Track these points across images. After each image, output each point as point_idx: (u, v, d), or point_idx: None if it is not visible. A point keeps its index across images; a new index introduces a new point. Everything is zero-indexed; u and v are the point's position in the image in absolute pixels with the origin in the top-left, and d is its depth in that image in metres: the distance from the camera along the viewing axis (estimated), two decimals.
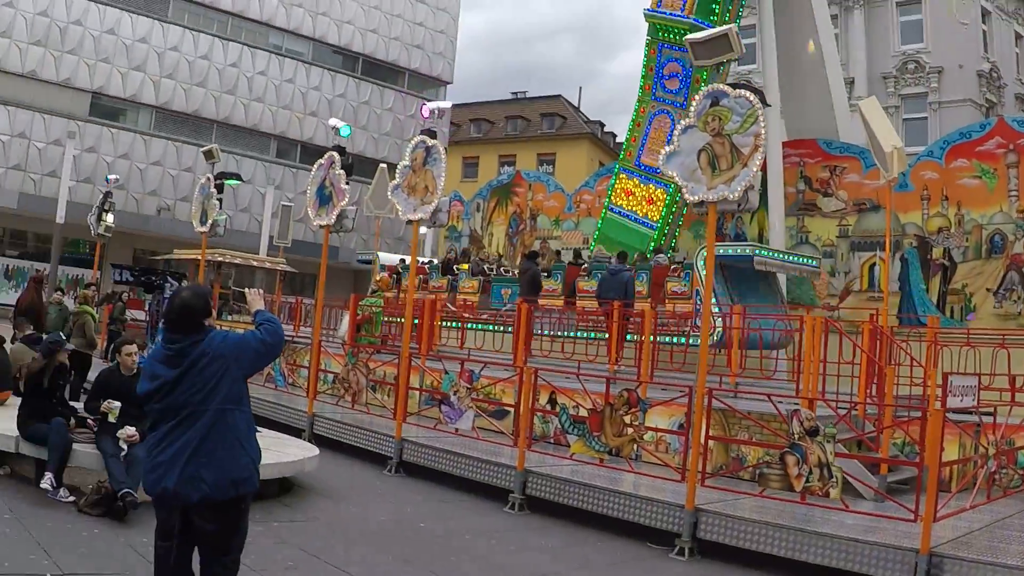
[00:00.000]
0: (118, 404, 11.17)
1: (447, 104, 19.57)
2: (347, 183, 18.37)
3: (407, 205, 16.51)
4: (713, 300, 19.66)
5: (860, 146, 22.68)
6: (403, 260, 28.33)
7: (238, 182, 40.89)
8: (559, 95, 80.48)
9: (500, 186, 32.14)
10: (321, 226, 18.83)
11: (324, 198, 18.74)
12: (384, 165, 31.46)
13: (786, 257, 20.53)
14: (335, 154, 18.78)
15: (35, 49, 50.11)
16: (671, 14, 25.13)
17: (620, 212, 26.01)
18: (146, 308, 30.55)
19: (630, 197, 25.94)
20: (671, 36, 25.04)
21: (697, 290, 18.81)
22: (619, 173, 26.53)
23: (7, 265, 50.37)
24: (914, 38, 44.39)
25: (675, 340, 17.67)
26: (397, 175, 16.82)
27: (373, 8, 65.12)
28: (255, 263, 33.28)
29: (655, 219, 24.90)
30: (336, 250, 55.78)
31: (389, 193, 17.35)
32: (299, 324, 28.31)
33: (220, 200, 24.73)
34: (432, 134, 16.63)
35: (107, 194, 34.96)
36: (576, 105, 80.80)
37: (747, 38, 18.76)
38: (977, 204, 21.06)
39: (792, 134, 24.92)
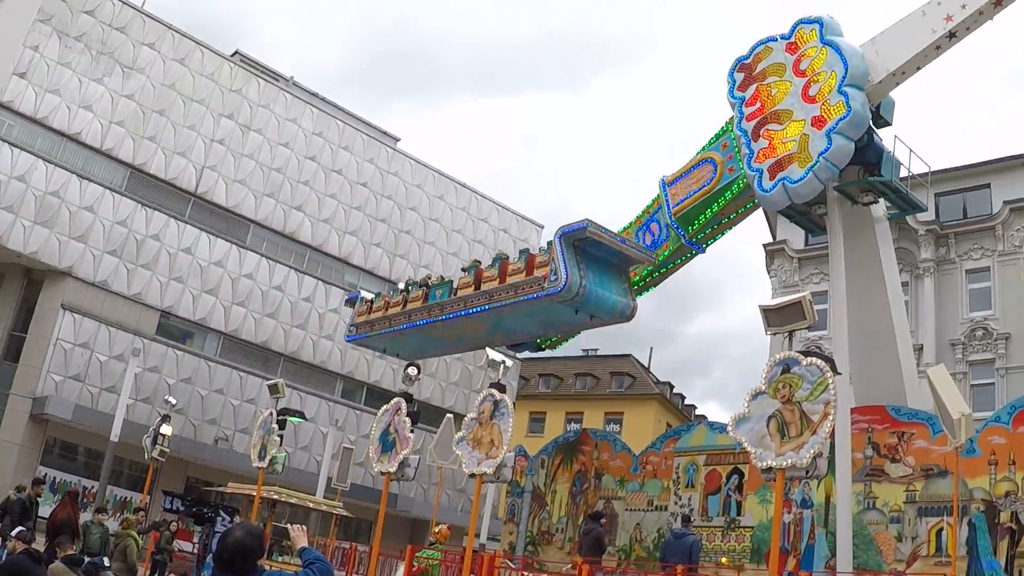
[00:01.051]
0: None
1: (511, 363, 19.70)
2: (412, 431, 18.32)
3: (471, 458, 16.37)
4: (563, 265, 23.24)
5: (928, 412, 22.41)
6: None
7: (301, 420, 40.89)
8: (629, 355, 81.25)
9: (566, 443, 31.76)
10: (382, 473, 18.69)
11: (387, 444, 18.63)
12: (450, 415, 31.56)
13: (619, 239, 24.23)
14: (402, 400, 18.76)
15: (109, 259, 50.20)
16: (667, 199, 26.83)
17: None
18: (195, 540, 30.16)
19: None
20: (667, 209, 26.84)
21: None
22: None
23: (55, 478, 48.32)
24: (983, 305, 44.42)
25: None
26: (463, 427, 16.77)
27: (451, 255, 65.65)
28: (311, 504, 32.84)
29: None
30: (395, 497, 54.87)
31: (454, 444, 17.26)
32: (351, 571, 27.84)
33: (281, 436, 24.68)
34: (501, 388, 16.60)
35: (165, 417, 34.97)
36: (646, 365, 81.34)
37: (818, 304, 18.89)
38: None
39: (860, 400, 24.66)
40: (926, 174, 27.75)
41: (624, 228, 28.02)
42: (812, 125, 23.35)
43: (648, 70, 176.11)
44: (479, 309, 26.28)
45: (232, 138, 55.22)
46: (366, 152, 62.13)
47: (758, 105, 24.73)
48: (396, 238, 63.08)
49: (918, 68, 23.80)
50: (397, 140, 67.50)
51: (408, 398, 18.86)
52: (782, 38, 24.66)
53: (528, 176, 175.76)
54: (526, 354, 48.71)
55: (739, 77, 25.45)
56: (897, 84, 24.02)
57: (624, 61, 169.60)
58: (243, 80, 56.48)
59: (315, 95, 63.18)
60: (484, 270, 26.76)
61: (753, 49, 25.29)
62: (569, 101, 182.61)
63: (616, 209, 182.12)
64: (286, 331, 56.62)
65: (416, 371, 19.92)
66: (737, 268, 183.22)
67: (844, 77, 23.00)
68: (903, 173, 25.79)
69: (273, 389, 25.30)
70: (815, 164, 22.87)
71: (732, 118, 25.63)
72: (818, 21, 23.90)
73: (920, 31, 22.83)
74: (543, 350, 31.69)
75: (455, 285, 28.08)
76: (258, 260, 55.91)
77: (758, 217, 52.34)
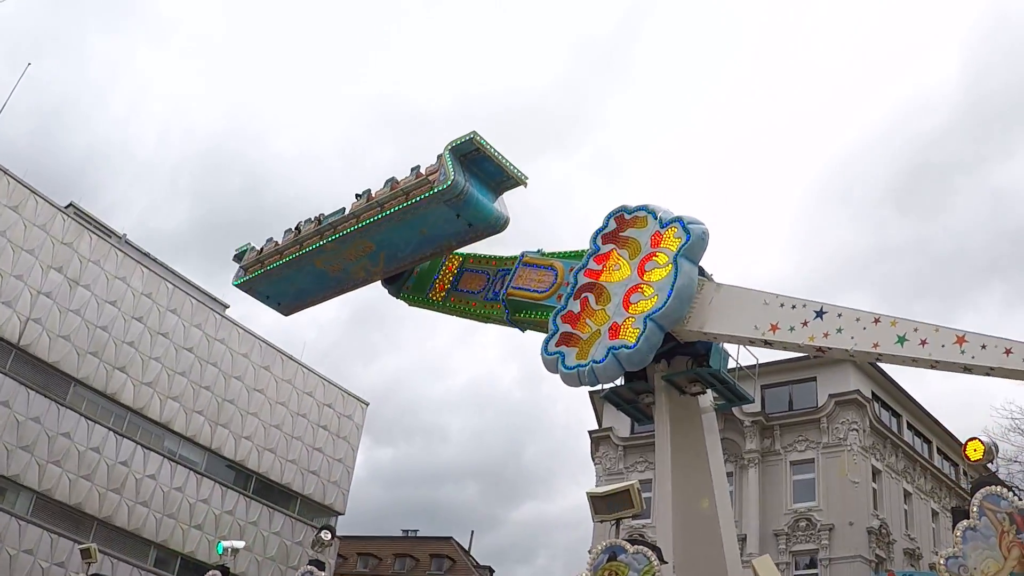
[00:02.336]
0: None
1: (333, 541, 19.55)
2: None
3: None
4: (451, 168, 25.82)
5: None
6: None
7: None
8: (450, 537, 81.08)
9: None
10: None
11: None
12: None
13: (498, 154, 26.42)
14: (218, 573, 18.27)
15: None
16: (513, 275, 27.97)
17: None
18: None
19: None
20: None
21: None
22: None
23: None
24: (806, 496, 45.29)
25: None
26: None
27: (273, 427, 64.72)
28: None
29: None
30: None
31: None
32: None
33: None
34: (320, 565, 16.27)
35: None
36: (467, 548, 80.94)
37: (643, 492, 18.81)
38: None
39: None
40: (753, 366, 28.26)
41: (492, 258, 29.33)
42: (609, 329, 23.84)
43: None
44: (371, 220, 27.65)
45: (59, 292, 54.02)
46: (194, 317, 61.34)
47: (601, 267, 25.03)
48: (219, 406, 61.96)
49: (726, 343, 24.31)
50: (226, 307, 66.73)
51: (224, 571, 18.37)
52: (660, 223, 24.75)
53: (359, 354, 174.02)
54: (347, 530, 47.78)
55: (611, 225, 25.71)
56: (704, 339, 24.30)
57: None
58: (75, 233, 55.55)
59: (147, 255, 62.35)
60: (376, 192, 28.12)
61: (637, 210, 25.40)
62: None
63: (441, 389, 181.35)
64: (101, 494, 54.82)
65: (232, 544, 19.43)
66: (567, 455, 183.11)
67: (658, 309, 23.34)
68: (731, 365, 26.23)
69: (85, 554, 24.50)
70: (584, 366, 23.65)
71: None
72: (688, 234, 23.92)
73: (749, 319, 22.89)
74: (403, 298, 31.16)
75: (348, 209, 28.87)
76: (77, 419, 54.32)
77: (587, 404, 53.11)
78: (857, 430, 45.16)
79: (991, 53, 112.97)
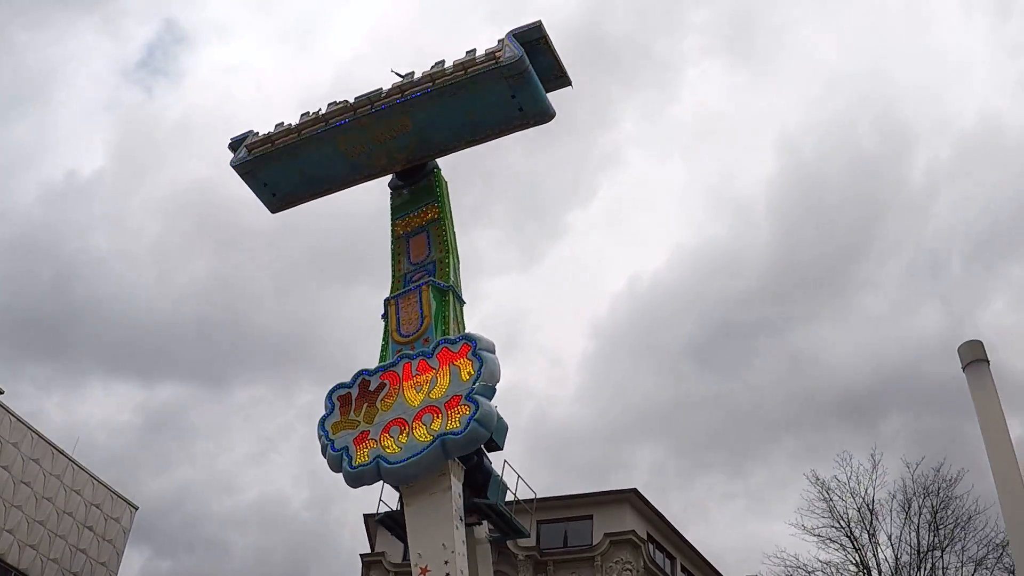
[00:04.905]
0: None
1: None
2: None
3: None
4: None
5: None
6: None
7: None
8: None
9: None
10: None
11: None
12: None
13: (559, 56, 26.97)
14: None
15: None
16: (401, 300, 26.64)
17: None
18: None
19: None
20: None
21: None
22: None
23: None
24: None
25: None
26: None
27: (37, 523, 62.02)
28: None
29: None
30: None
31: None
32: None
33: None
34: None
35: None
36: None
37: None
38: None
39: None
40: (531, 500, 27.98)
41: (449, 248, 27.50)
42: (361, 433, 23.85)
43: (296, 377, 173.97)
44: (418, 94, 26.57)
45: None
46: None
47: (415, 375, 24.28)
48: None
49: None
50: (1, 392, 64.18)
51: None
52: (469, 390, 23.34)
53: (150, 462, 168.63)
54: None
55: (456, 345, 24.43)
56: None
57: (275, 363, 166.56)
58: None
59: None
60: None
61: (476, 355, 23.85)
62: (210, 397, 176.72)
63: (228, 505, 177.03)
64: None
65: None
66: None
67: (389, 462, 23.05)
68: (508, 498, 25.84)
69: None
70: (328, 440, 24.14)
71: (449, 333, 25.34)
72: (467, 426, 22.65)
73: (424, 543, 22.62)
74: (392, 197, 29.00)
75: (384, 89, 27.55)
76: None
77: (360, 525, 52.21)
78: (631, 570, 45.28)
79: (800, 220, 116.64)
